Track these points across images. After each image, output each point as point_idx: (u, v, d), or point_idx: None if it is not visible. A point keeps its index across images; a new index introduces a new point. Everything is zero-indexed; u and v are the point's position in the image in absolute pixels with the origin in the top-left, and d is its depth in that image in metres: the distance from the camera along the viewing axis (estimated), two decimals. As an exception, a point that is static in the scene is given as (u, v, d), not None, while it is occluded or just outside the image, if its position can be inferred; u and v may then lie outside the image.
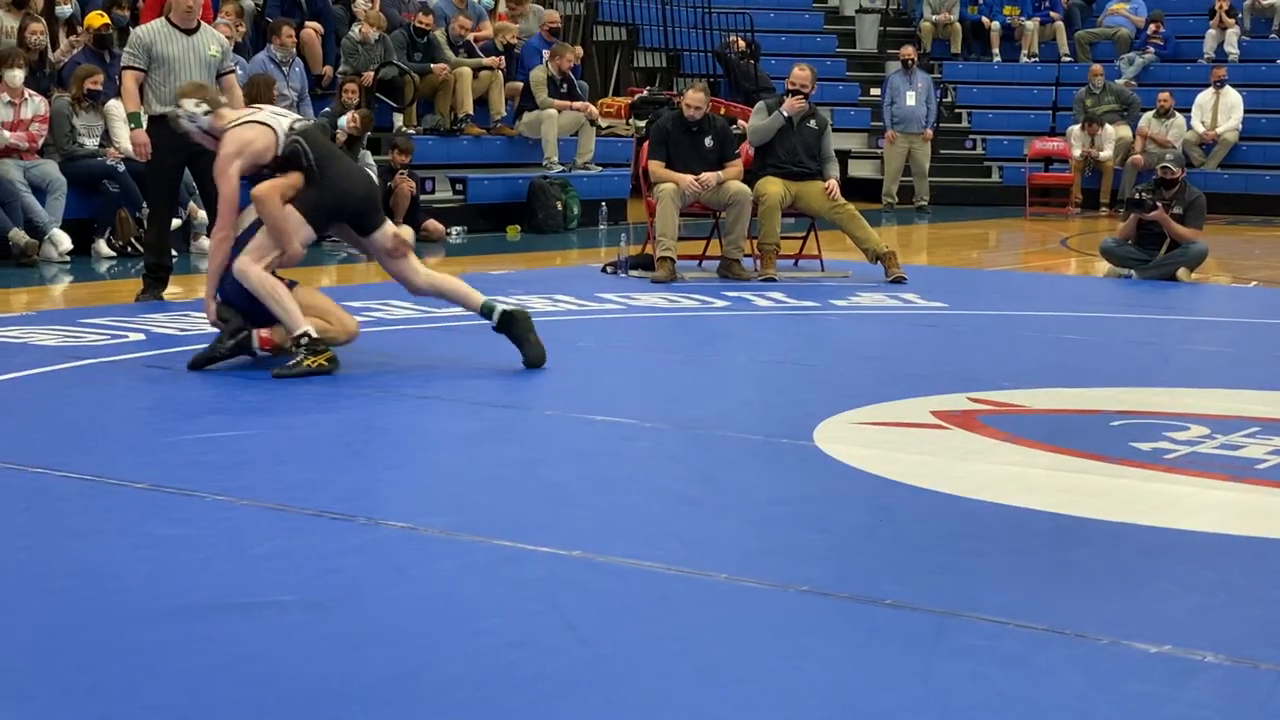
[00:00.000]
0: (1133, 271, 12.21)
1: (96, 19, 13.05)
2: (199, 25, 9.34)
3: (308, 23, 15.05)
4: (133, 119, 9.29)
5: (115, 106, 12.30)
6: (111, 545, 4.40)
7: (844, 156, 19.12)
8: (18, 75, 11.74)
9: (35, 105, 11.93)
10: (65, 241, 11.65)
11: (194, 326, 8.13)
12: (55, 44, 13.12)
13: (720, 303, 10.20)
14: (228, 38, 13.76)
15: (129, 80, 9.28)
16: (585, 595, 4.02)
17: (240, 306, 7.16)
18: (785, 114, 11.55)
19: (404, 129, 15.46)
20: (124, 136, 12.27)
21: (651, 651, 3.62)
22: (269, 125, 7.26)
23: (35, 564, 4.21)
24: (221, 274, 7.20)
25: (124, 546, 4.38)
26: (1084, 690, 3.43)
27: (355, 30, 15.39)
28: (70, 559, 4.27)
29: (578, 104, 16.32)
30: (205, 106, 7.38)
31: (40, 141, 11.97)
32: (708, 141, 11.39)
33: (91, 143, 12.25)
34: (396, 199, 14.07)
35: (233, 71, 9.55)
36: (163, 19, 9.38)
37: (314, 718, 3.21)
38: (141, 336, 8.06)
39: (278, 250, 7.13)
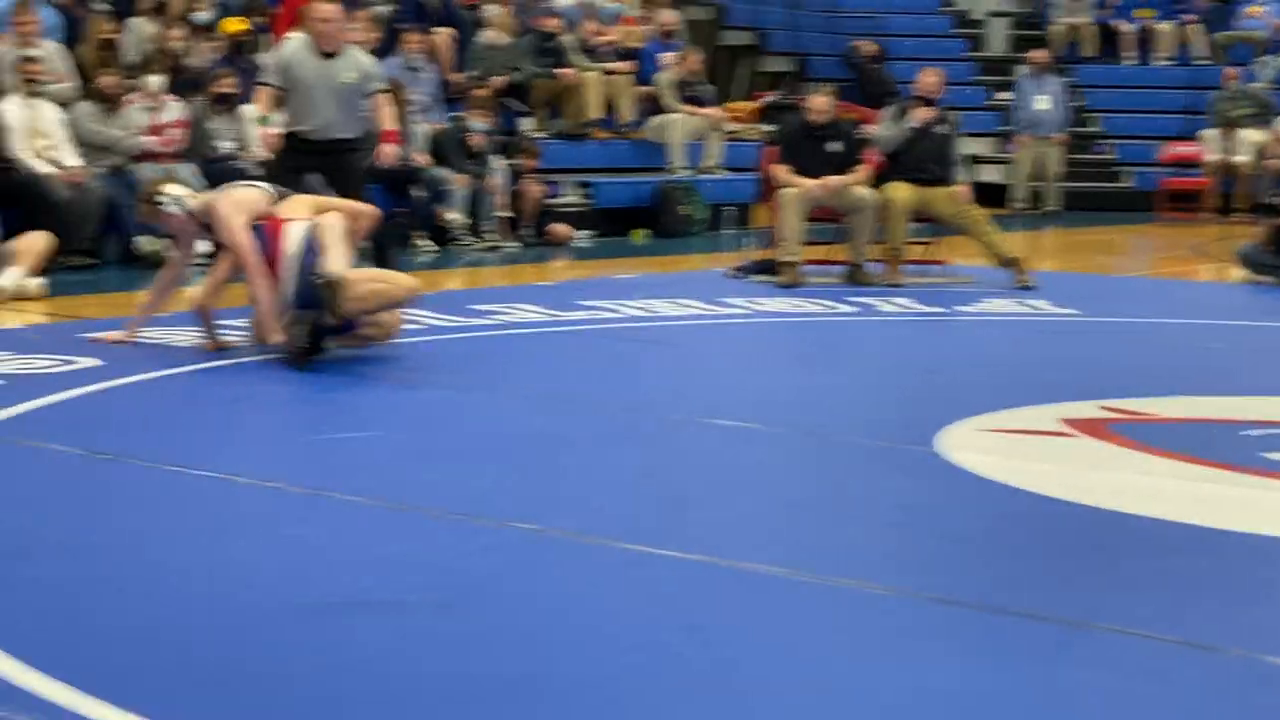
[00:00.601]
0: (1272, 278, 11.96)
1: (233, 24, 13.27)
2: (341, 50, 9.29)
3: (438, 29, 15.19)
4: (262, 120, 9.43)
5: (250, 110, 12.50)
6: (243, 544, 4.48)
7: (972, 161, 18.95)
8: (157, 81, 11.96)
9: (173, 110, 12.15)
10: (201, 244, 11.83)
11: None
12: (193, 50, 13.36)
13: (845, 308, 10.16)
14: (359, 44, 14.00)
15: (261, 94, 9.42)
16: (708, 600, 4.03)
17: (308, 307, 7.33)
18: (914, 125, 11.48)
19: (532, 133, 15.56)
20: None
21: (775, 657, 3.62)
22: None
23: (170, 561, 4.30)
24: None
25: (255, 545, 4.46)
26: (1214, 703, 3.38)
27: (485, 35, 15.52)
28: (203, 556, 4.35)
29: (704, 109, 16.33)
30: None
31: (178, 146, 12.19)
32: (834, 146, 11.36)
33: (227, 146, 12.45)
34: (524, 203, 14.16)
35: (382, 91, 9.56)
36: (305, 39, 9.36)
37: (440, 717, 3.25)
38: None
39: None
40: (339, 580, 4.12)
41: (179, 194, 7.63)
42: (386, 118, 9.62)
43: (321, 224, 7.40)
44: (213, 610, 3.85)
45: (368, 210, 8.04)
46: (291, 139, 9.23)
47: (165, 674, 3.42)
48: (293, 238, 7.36)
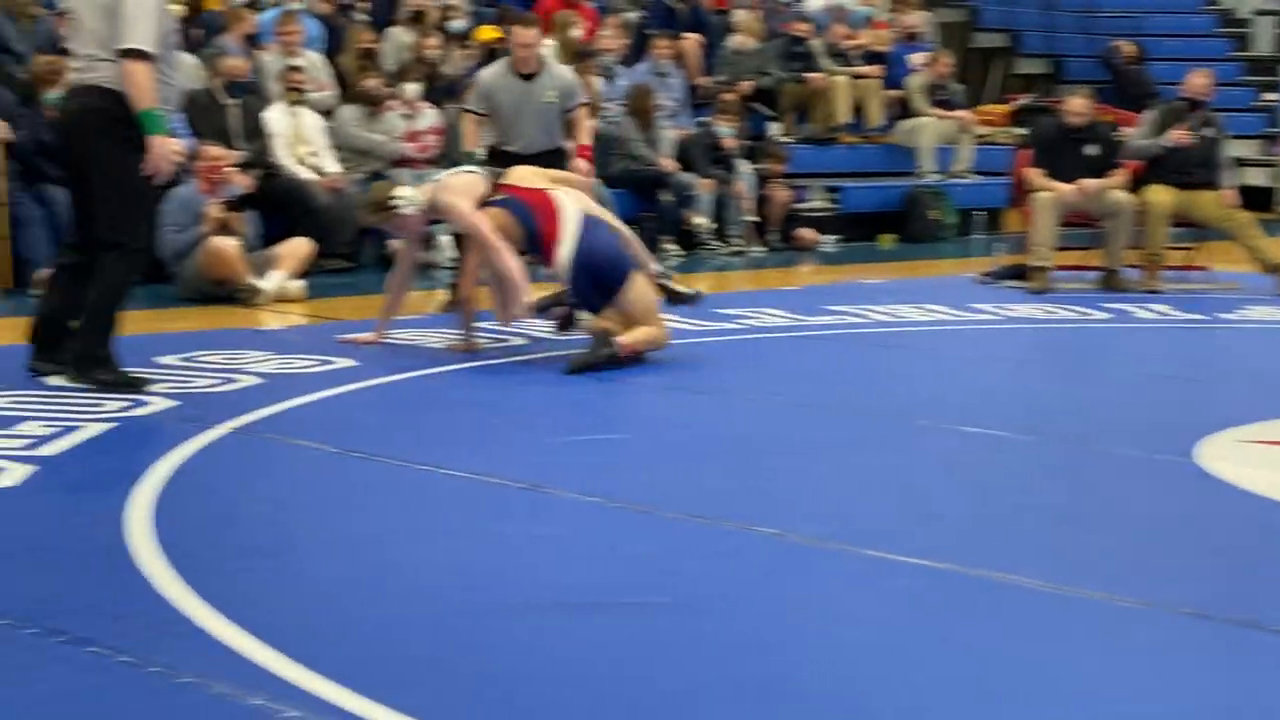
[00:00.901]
0: None
1: (488, 33, 13.51)
2: (541, 69, 9.48)
3: (687, 33, 15.27)
4: (467, 157, 9.50)
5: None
6: (490, 542, 4.54)
7: (1237, 164, 18.37)
8: (413, 89, 12.24)
9: (429, 118, 12.41)
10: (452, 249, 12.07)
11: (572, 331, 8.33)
12: (448, 58, 13.63)
13: (1100, 314, 9.93)
14: (609, 50, 14.15)
15: (467, 123, 9.64)
16: (956, 609, 3.97)
17: (585, 291, 7.41)
18: (1167, 145, 11.19)
19: (779, 138, 15.54)
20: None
21: (1024, 669, 3.55)
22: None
23: (420, 557, 4.39)
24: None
25: (501, 544, 4.52)
26: None
27: (733, 40, 15.55)
28: (451, 553, 4.43)
29: (955, 112, 16.12)
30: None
31: (433, 152, 12.46)
32: (1091, 149, 11.13)
33: (480, 152, 12.66)
34: (772, 207, 14.14)
35: (580, 106, 9.68)
36: (504, 63, 9.57)
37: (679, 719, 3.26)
38: (524, 340, 8.31)
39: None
40: (582, 581, 4.16)
41: (410, 194, 7.79)
42: (584, 133, 9.74)
43: (590, 205, 7.64)
44: (458, 608, 3.92)
45: (586, 181, 8.18)
46: (495, 151, 9.50)
47: (411, 669, 3.49)
48: (569, 219, 7.46)
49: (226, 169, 9.89)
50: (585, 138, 9.78)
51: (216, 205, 9.72)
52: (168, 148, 6.49)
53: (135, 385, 6.59)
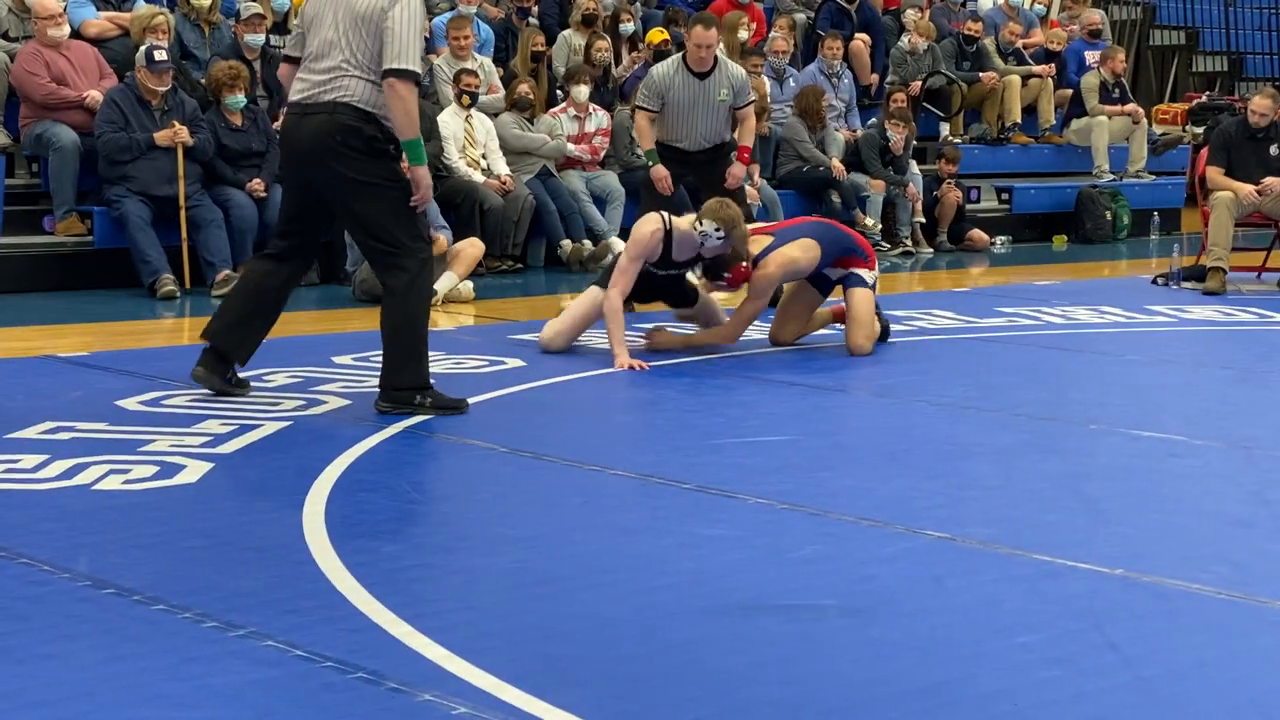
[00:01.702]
0: None
1: (657, 35, 13.57)
2: (715, 67, 9.49)
3: (857, 34, 15.19)
4: (648, 155, 9.55)
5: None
6: (658, 543, 4.56)
7: None
8: (583, 91, 12.33)
9: (599, 119, 12.48)
10: (620, 247, 12.15)
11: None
12: (618, 60, 13.71)
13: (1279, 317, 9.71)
14: (781, 51, 14.12)
15: (641, 120, 9.63)
16: (1128, 615, 3.91)
17: None
18: None
19: (951, 138, 15.40)
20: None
21: (1199, 678, 3.49)
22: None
23: (589, 556, 4.42)
24: None
25: (670, 544, 4.54)
26: None
27: (904, 40, 15.44)
28: (620, 553, 4.46)
29: (1130, 111, 15.83)
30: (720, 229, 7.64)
31: (602, 154, 12.53)
32: (1273, 150, 10.88)
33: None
34: (942, 208, 14.02)
35: (748, 105, 9.69)
36: (678, 60, 9.60)
37: (849, 722, 3.25)
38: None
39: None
40: (749, 582, 4.16)
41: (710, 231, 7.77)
42: (748, 133, 9.73)
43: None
44: (625, 608, 3.94)
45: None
46: (664, 147, 9.54)
47: (577, 665, 3.52)
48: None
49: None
50: (748, 138, 9.79)
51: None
52: (428, 179, 6.28)
53: (457, 408, 6.33)
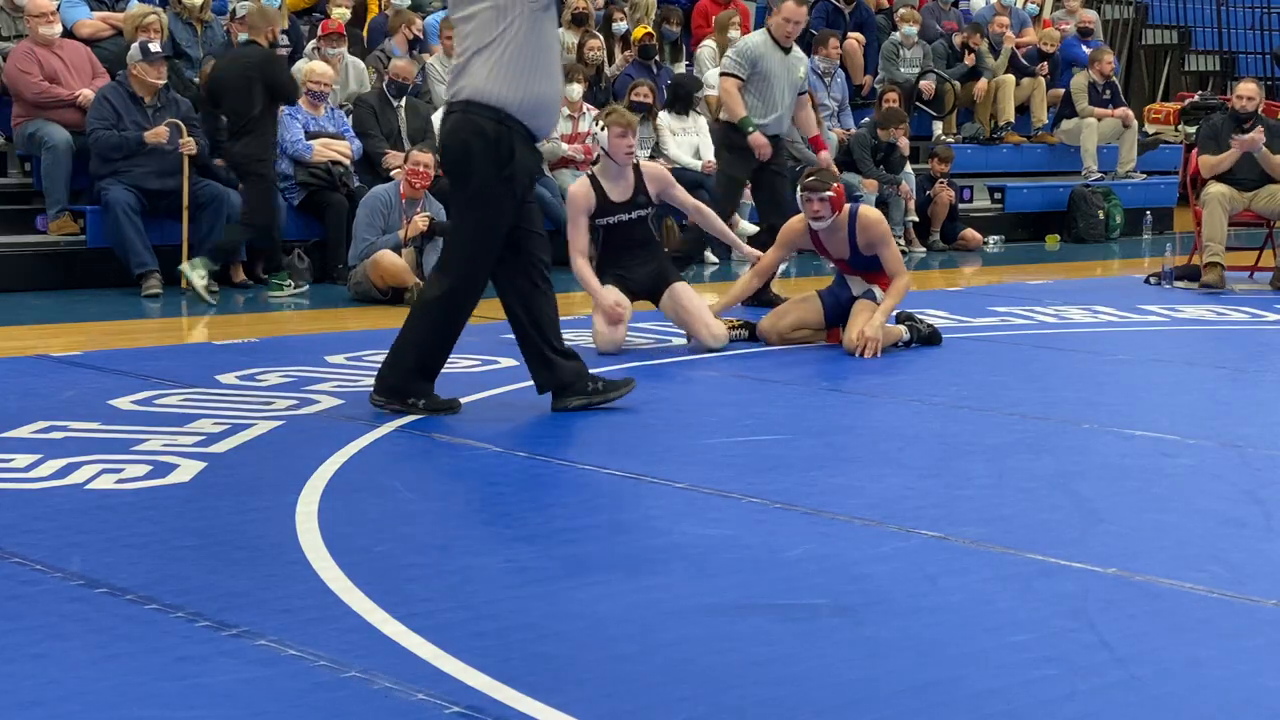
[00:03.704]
0: None
1: (639, 31, 13.57)
2: (792, 46, 9.60)
3: (850, 34, 15.20)
4: (744, 123, 9.49)
5: (664, 119, 12.75)
6: (651, 542, 4.56)
7: None
8: (576, 90, 12.32)
9: (591, 119, 12.48)
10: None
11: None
12: (611, 59, 13.71)
13: (1273, 316, 9.72)
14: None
15: (730, 85, 9.56)
16: (1120, 614, 3.91)
17: None
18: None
19: (943, 137, 15.41)
20: (670, 145, 12.72)
21: (1191, 677, 3.49)
22: None
23: (581, 556, 4.42)
24: None
25: (663, 544, 4.54)
26: None
27: (896, 39, 15.44)
28: (613, 553, 4.46)
29: (1121, 111, 15.85)
30: None
31: (596, 154, 12.52)
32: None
33: (643, 155, 12.72)
34: (935, 208, 14.03)
35: (807, 92, 9.81)
36: (765, 33, 9.62)
37: (842, 721, 3.25)
38: (684, 341, 8.34)
39: None
40: (743, 581, 4.16)
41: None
42: (814, 121, 9.76)
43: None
44: (621, 607, 3.94)
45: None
46: (741, 134, 9.47)
47: (571, 665, 3.51)
48: None
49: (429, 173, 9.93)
50: (815, 126, 9.95)
51: (423, 216, 9.83)
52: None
53: (450, 408, 6.32)
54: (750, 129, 9.42)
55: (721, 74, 9.81)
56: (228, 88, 10.21)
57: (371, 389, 6.34)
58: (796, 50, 9.68)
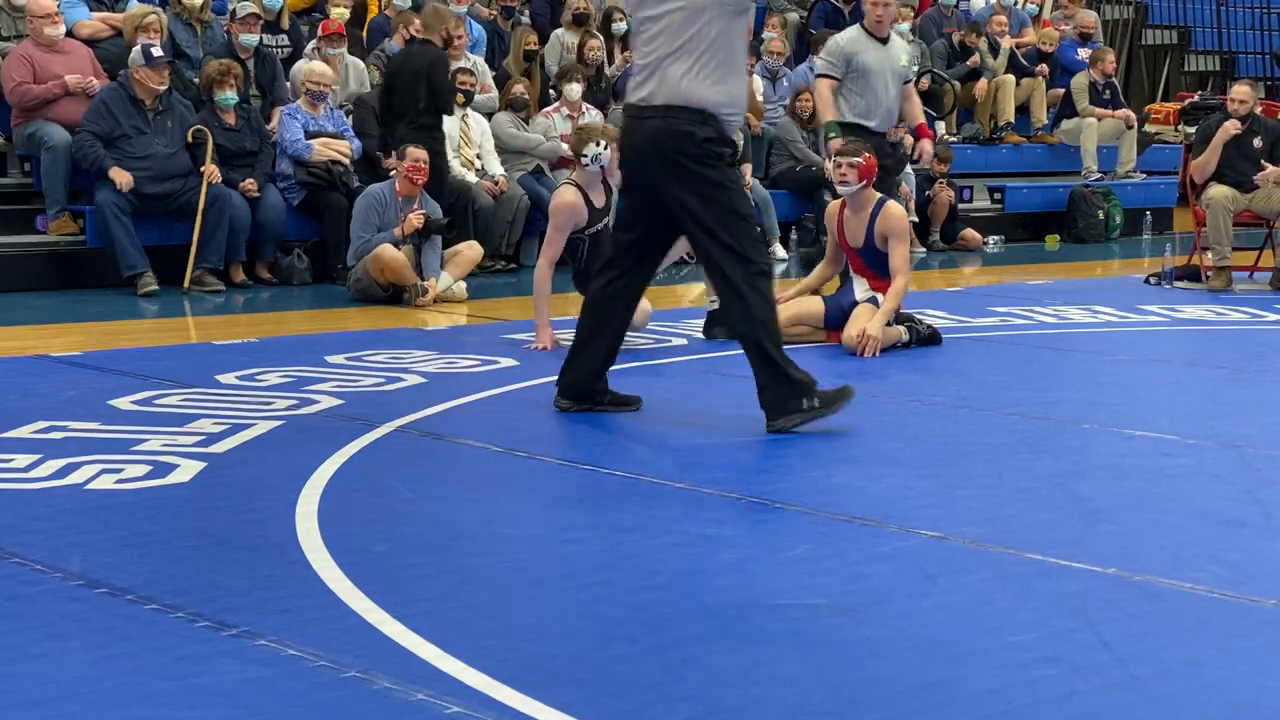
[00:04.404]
0: None
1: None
2: (890, 34, 9.18)
3: (850, 33, 15.17)
4: (830, 129, 8.89)
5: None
6: (651, 542, 4.56)
7: None
8: (575, 89, 12.32)
9: (591, 119, 12.47)
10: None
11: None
12: (611, 59, 13.71)
13: (1272, 316, 9.72)
14: (777, 53, 14.12)
15: (823, 87, 9.10)
16: (1120, 614, 3.91)
17: None
18: None
19: (944, 137, 15.41)
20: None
21: (1191, 677, 3.49)
22: None
23: (581, 556, 4.42)
24: None
25: (663, 544, 4.54)
26: None
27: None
28: (613, 553, 4.46)
29: (1121, 111, 15.85)
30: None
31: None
32: (1256, 142, 10.93)
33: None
34: (935, 208, 14.02)
35: (911, 81, 9.45)
36: (858, 27, 9.25)
37: (842, 720, 3.25)
38: (684, 341, 8.34)
39: None
40: (743, 581, 4.16)
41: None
42: (919, 109, 9.48)
43: None
44: (621, 607, 3.94)
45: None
46: (845, 128, 8.86)
47: (570, 665, 3.52)
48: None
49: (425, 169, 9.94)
50: (921, 114, 9.53)
51: (418, 214, 9.82)
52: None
53: (844, 395, 6.08)
54: (833, 134, 8.77)
55: (817, 76, 9.36)
56: (398, 85, 10.60)
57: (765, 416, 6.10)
58: (895, 39, 9.24)
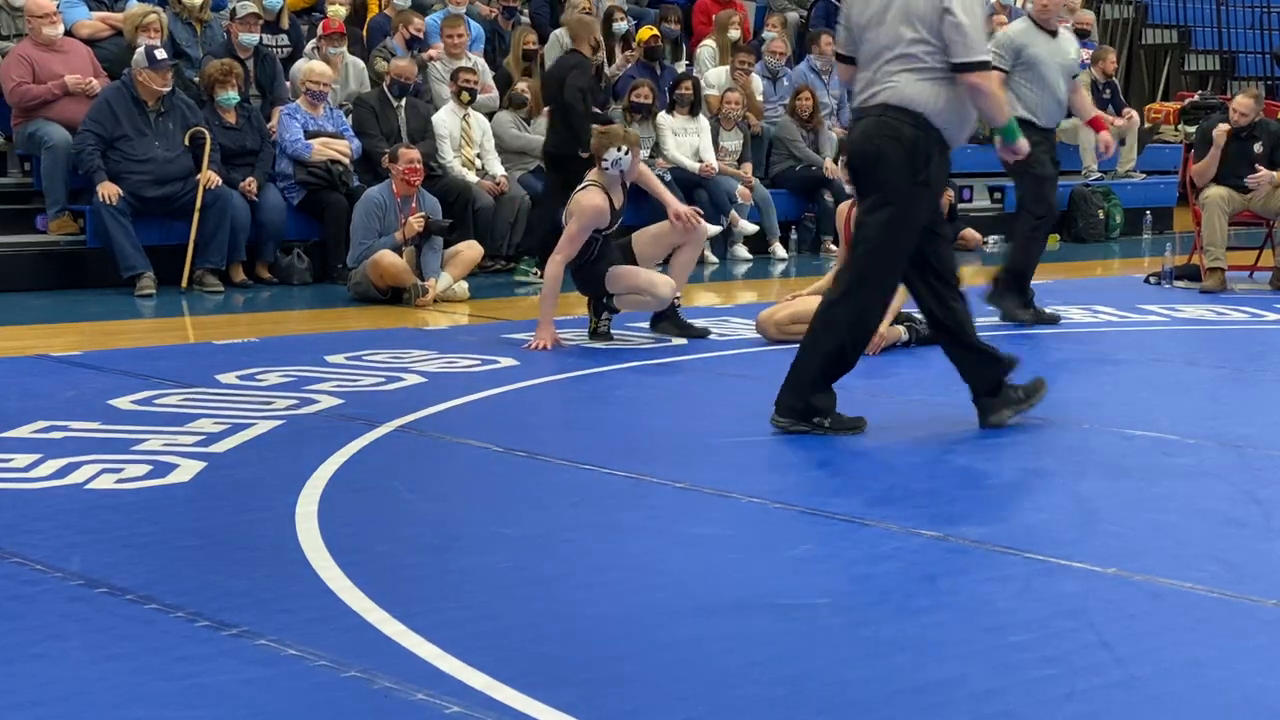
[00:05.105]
0: None
1: (645, 33, 13.56)
2: (1059, 28, 9.01)
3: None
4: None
5: (664, 119, 12.74)
6: (651, 542, 4.56)
7: None
8: (575, 90, 12.32)
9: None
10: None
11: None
12: (611, 59, 13.70)
13: (1272, 316, 9.71)
14: (779, 53, 14.12)
15: (996, 83, 8.73)
16: (1120, 614, 3.91)
17: None
18: None
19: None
20: (670, 146, 12.69)
21: (1191, 677, 3.49)
22: None
23: (582, 556, 4.42)
24: None
25: (663, 543, 4.54)
26: None
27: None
28: (614, 553, 4.46)
29: (1121, 111, 15.84)
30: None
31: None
32: (1257, 148, 10.91)
33: (643, 155, 12.69)
34: (934, 207, 14.00)
35: (1078, 75, 9.28)
36: (1026, 19, 9.10)
37: (842, 721, 3.25)
38: (684, 341, 8.33)
39: None
40: (743, 580, 4.16)
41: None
42: (1089, 103, 9.30)
43: None
44: (621, 606, 3.94)
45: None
46: (1028, 128, 8.13)
47: (569, 664, 3.51)
48: None
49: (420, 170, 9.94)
50: (1092, 107, 9.35)
51: (418, 217, 9.81)
52: (1026, 145, 6.39)
53: (856, 427, 6.07)
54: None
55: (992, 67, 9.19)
56: (547, 89, 11.16)
57: (773, 411, 6.08)
58: (1065, 32, 9.10)
